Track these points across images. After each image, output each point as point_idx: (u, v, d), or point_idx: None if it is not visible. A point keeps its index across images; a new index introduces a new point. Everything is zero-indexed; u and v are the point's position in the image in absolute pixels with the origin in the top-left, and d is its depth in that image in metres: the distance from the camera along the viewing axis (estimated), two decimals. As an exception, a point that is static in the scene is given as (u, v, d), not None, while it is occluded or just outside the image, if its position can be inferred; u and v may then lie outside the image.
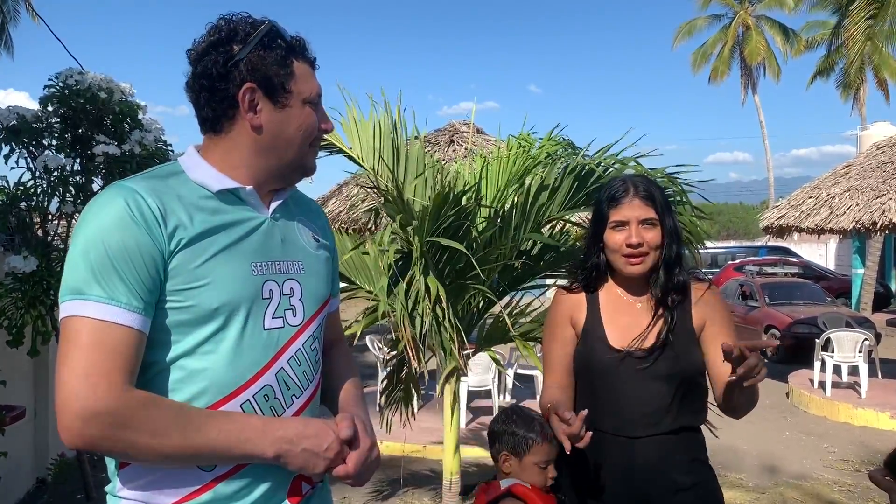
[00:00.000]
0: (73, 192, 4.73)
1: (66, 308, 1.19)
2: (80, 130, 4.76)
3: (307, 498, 1.38)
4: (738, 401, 1.95)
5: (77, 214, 4.82)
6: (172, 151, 5.31)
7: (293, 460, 1.27)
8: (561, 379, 2.09)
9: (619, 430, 2.00)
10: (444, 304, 3.28)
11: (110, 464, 1.31)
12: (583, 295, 2.13)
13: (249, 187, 1.36)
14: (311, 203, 1.61)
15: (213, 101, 1.34)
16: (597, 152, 3.90)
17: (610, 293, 2.12)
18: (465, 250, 3.14)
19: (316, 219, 1.57)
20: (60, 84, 4.62)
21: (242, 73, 1.31)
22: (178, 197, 1.28)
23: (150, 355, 1.24)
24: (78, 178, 4.74)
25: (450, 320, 3.38)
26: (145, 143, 4.88)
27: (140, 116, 5.03)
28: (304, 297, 1.41)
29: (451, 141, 8.38)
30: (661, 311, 2.04)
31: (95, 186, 4.86)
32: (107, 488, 1.32)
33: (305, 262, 1.44)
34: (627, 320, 2.06)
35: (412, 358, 3.36)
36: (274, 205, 1.42)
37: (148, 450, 1.18)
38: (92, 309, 1.17)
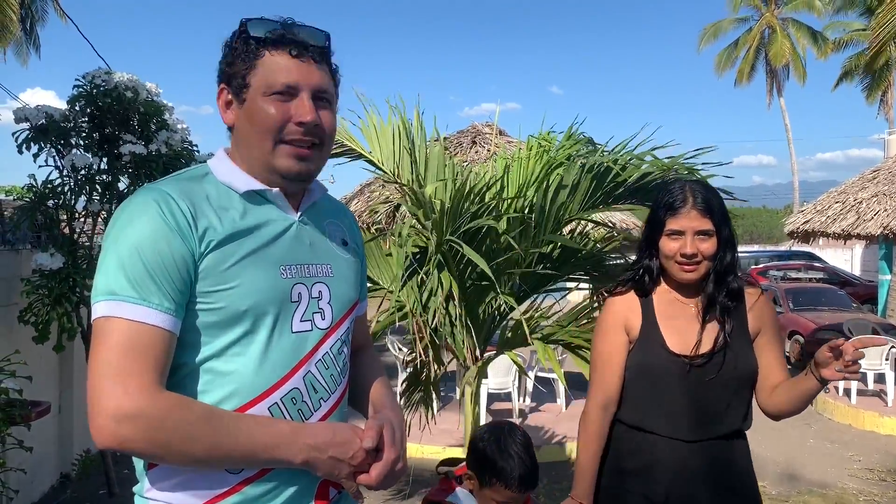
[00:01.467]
0: (100, 190, 4.79)
1: (99, 308, 1.20)
2: (106, 130, 4.82)
3: (334, 502, 1.38)
4: (797, 404, 2.04)
5: (103, 213, 4.89)
6: (198, 151, 5.37)
7: (320, 466, 1.27)
8: (608, 387, 2.10)
9: (675, 433, 2.04)
10: (456, 302, 3.27)
11: (138, 464, 1.31)
12: (636, 300, 2.14)
13: (276, 189, 1.36)
14: (340, 206, 1.61)
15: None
16: (613, 149, 3.85)
17: (663, 297, 2.13)
18: (477, 257, 3.11)
19: (346, 221, 1.56)
20: (88, 84, 4.69)
21: (219, 76, 1.38)
22: (207, 198, 1.30)
23: (179, 357, 1.25)
24: (105, 177, 4.80)
25: (461, 319, 3.38)
26: (171, 143, 4.93)
27: (166, 116, 5.09)
28: (333, 300, 1.41)
29: (474, 142, 8.38)
30: (716, 316, 2.07)
31: (122, 185, 4.92)
32: (135, 488, 1.33)
33: (334, 266, 1.44)
34: (684, 325, 2.08)
35: (429, 360, 3.36)
36: (303, 207, 1.42)
37: (178, 452, 1.18)
38: (124, 309, 1.18)
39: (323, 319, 1.38)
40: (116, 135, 4.79)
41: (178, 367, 1.25)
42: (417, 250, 3.48)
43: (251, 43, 1.33)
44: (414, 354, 3.95)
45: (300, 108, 1.32)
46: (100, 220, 4.96)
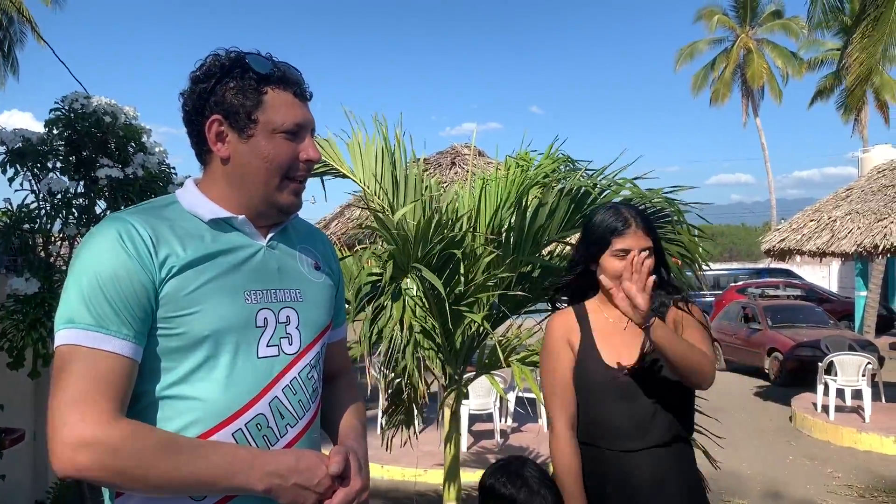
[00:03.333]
0: (76, 214, 4.75)
1: (60, 337, 1.22)
2: (84, 153, 4.79)
3: None
4: (672, 366, 2.05)
5: (79, 237, 4.84)
6: (176, 174, 5.34)
7: (283, 495, 1.26)
8: (569, 404, 2.16)
9: (615, 444, 2.11)
10: (407, 330, 3.27)
11: (105, 492, 1.31)
12: (574, 317, 2.24)
13: (242, 217, 1.37)
14: (315, 231, 1.62)
15: (192, 135, 1.39)
16: (593, 174, 3.91)
17: (598, 313, 2.24)
18: (439, 284, 3.08)
19: (320, 246, 1.57)
20: (66, 107, 4.67)
21: (211, 106, 1.34)
22: (171, 227, 1.31)
23: (141, 385, 1.25)
24: (81, 201, 4.76)
25: (432, 341, 3.37)
26: (148, 167, 4.91)
27: (144, 139, 5.07)
28: (302, 325, 1.41)
29: (453, 163, 8.43)
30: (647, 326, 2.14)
31: (98, 209, 4.88)
32: None
33: (304, 290, 1.44)
34: (617, 338, 2.17)
35: (406, 383, 3.35)
36: (272, 232, 1.43)
37: (135, 479, 1.18)
38: (83, 337, 1.19)
39: (290, 344, 1.39)
40: (93, 158, 4.76)
41: (140, 394, 1.26)
42: (375, 279, 3.46)
43: (252, 79, 1.34)
44: (391, 376, 3.94)
45: (309, 147, 1.39)
46: (76, 243, 4.92)
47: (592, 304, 2.26)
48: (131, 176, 4.75)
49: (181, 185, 5.30)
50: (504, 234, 3.58)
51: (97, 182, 4.71)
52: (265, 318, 1.35)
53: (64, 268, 4.82)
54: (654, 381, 2.11)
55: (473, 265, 3.33)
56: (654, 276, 2.00)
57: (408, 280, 3.32)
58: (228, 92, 1.34)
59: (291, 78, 1.38)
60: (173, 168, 5.29)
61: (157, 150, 5.14)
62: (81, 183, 4.78)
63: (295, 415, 1.37)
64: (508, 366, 3.84)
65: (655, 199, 3.64)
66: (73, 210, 4.73)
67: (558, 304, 2.47)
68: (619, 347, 2.15)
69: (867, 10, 11.23)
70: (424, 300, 3.35)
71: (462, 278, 3.38)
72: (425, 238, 3.11)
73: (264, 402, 1.32)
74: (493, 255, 3.40)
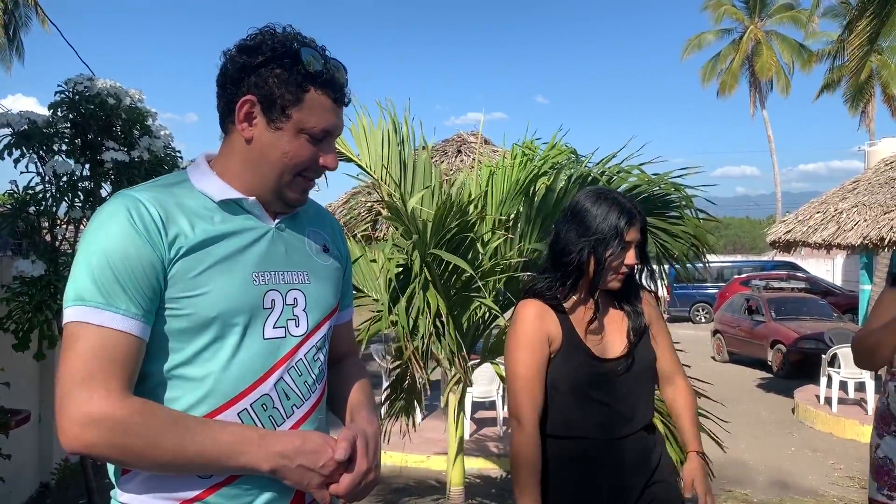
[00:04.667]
0: (82, 197, 4.74)
1: (68, 314, 1.21)
2: (89, 136, 4.78)
3: None
4: None
5: (85, 220, 4.84)
6: (181, 158, 5.33)
7: (289, 475, 1.26)
8: (538, 399, 2.09)
9: (607, 434, 2.11)
10: (444, 318, 3.27)
11: (110, 469, 1.32)
12: (551, 310, 2.13)
13: (252, 198, 1.36)
14: (324, 213, 1.61)
15: (223, 100, 1.36)
16: (600, 161, 3.89)
17: (577, 304, 2.17)
18: (466, 266, 3.12)
19: (328, 229, 1.55)
20: (70, 90, 4.66)
21: (250, 84, 1.31)
22: (180, 205, 1.29)
23: (148, 365, 1.25)
24: (86, 184, 4.76)
25: (450, 333, 3.37)
26: (154, 150, 4.90)
27: (149, 123, 5.05)
28: (309, 307, 1.41)
29: (459, 151, 8.40)
30: (625, 316, 2.21)
31: (104, 192, 4.88)
32: (112, 493, 1.33)
33: (311, 273, 1.43)
34: (599, 328, 2.17)
35: (416, 369, 3.35)
36: (281, 215, 1.42)
37: (142, 457, 1.19)
38: (92, 315, 1.19)
39: (297, 326, 1.38)
40: (99, 141, 4.75)
41: (147, 374, 1.25)
42: (400, 269, 3.47)
43: (299, 74, 1.31)
44: (397, 363, 3.94)
45: (330, 157, 1.39)
46: (81, 226, 4.92)
47: (569, 291, 2.17)
48: (137, 159, 4.74)
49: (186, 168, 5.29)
50: (512, 221, 3.57)
51: (102, 165, 4.70)
52: (272, 299, 1.34)
53: (70, 251, 4.82)
54: (637, 369, 2.16)
55: (484, 248, 3.33)
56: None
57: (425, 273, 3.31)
58: (272, 78, 1.30)
59: (337, 82, 1.36)
60: (178, 152, 5.29)
61: (162, 133, 5.13)
62: (87, 166, 4.78)
63: (301, 396, 1.37)
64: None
65: (662, 183, 3.62)
66: (79, 193, 4.73)
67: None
68: (604, 338, 2.16)
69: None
70: (434, 287, 3.34)
71: (470, 265, 3.37)
72: (441, 223, 3.10)
73: (270, 382, 1.32)
74: (501, 240, 3.39)
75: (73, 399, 1.16)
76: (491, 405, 7.88)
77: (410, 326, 3.28)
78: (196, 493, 1.26)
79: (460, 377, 3.67)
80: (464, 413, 3.93)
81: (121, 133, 4.84)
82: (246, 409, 1.29)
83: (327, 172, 1.45)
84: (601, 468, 2.11)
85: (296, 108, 1.31)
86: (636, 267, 2.15)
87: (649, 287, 2.36)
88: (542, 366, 2.09)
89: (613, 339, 2.17)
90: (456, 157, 8.39)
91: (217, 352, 1.27)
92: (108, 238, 1.22)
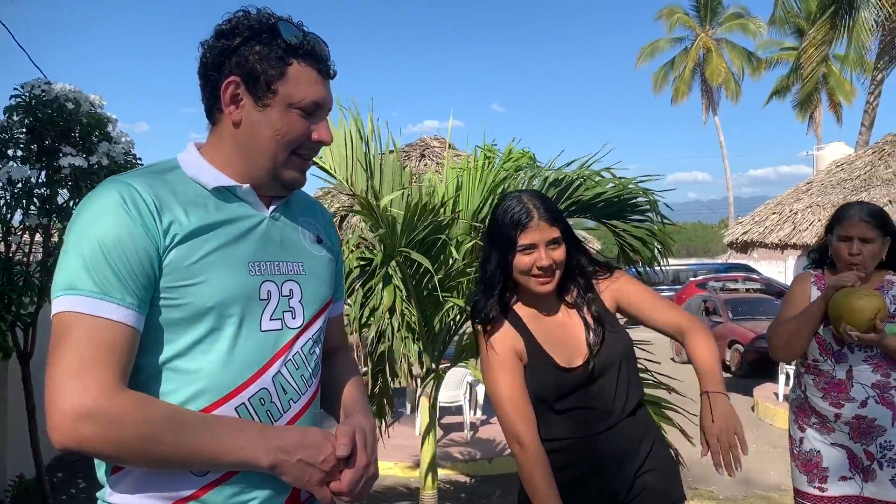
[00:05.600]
0: (38, 204, 4.61)
1: (59, 304, 1.16)
2: (45, 142, 4.65)
3: None
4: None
5: (41, 227, 4.71)
6: (141, 164, 5.22)
7: (288, 470, 1.22)
8: (530, 414, 2.03)
9: (585, 431, 2.06)
10: (398, 314, 3.25)
11: (100, 469, 1.27)
12: (509, 325, 2.09)
13: (246, 186, 1.33)
14: (316, 204, 1.58)
15: (206, 89, 1.33)
16: (569, 163, 3.94)
17: (529, 315, 2.12)
18: (429, 266, 3.09)
19: (320, 219, 1.53)
20: (27, 94, 4.52)
21: (231, 66, 1.29)
22: (173, 193, 1.25)
23: (143, 357, 1.21)
24: (43, 191, 4.63)
25: (416, 329, 3.36)
26: (113, 156, 4.79)
27: (109, 128, 4.94)
28: (305, 298, 1.38)
29: (423, 155, 8.41)
30: (581, 315, 2.11)
31: (60, 199, 4.75)
32: (98, 494, 1.28)
33: (306, 264, 1.40)
34: (559, 335, 2.10)
35: (380, 372, 3.33)
36: (274, 204, 1.39)
37: (138, 453, 1.14)
38: (84, 304, 1.14)
39: (294, 318, 1.35)
40: (56, 147, 4.63)
41: (142, 367, 1.21)
42: (364, 263, 3.44)
43: (279, 47, 1.29)
44: (366, 369, 3.91)
45: (322, 128, 1.35)
46: (37, 235, 4.78)
47: (518, 304, 2.13)
48: (95, 165, 4.63)
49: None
50: (481, 223, 3.58)
51: (59, 171, 4.58)
52: (269, 290, 1.31)
53: (24, 259, 4.68)
54: (610, 362, 2.08)
55: (458, 250, 3.32)
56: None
57: (388, 268, 3.29)
58: (253, 55, 1.28)
59: (319, 53, 1.33)
60: (139, 158, 5.17)
61: (123, 139, 5.01)
62: (43, 172, 4.65)
63: (297, 390, 1.34)
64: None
65: (630, 186, 3.67)
66: (35, 200, 4.60)
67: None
68: (566, 345, 2.08)
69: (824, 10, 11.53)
70: (403, 287, 3.32)
71: (442, 265, 3.37)
72: (412, 224, 3.08)
73: (267, 376, 1.29)
74: (472, 242, 3.39)
75: (66, 392, 1.11)
76: (458, 410, 7.86)
77: (363, 320, 3.26)
78: (191, 491, 1.22)
79: (432, 379, 3.66)
80: (435, 419, 3.90)
81: (79, 138, 4.72)
82: (244, 403, 1.26)
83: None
84: (583, 465, 2.07)
85: (280, 81, 1.29)
86: (555, 265, 2.02)
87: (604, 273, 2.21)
88: (522, 381, 2.04)
89: (577, 344, 2.09)
90: (420, 161, 8.40)
91: (213, 344, 1.24)
92: (100, 224, 1.17)
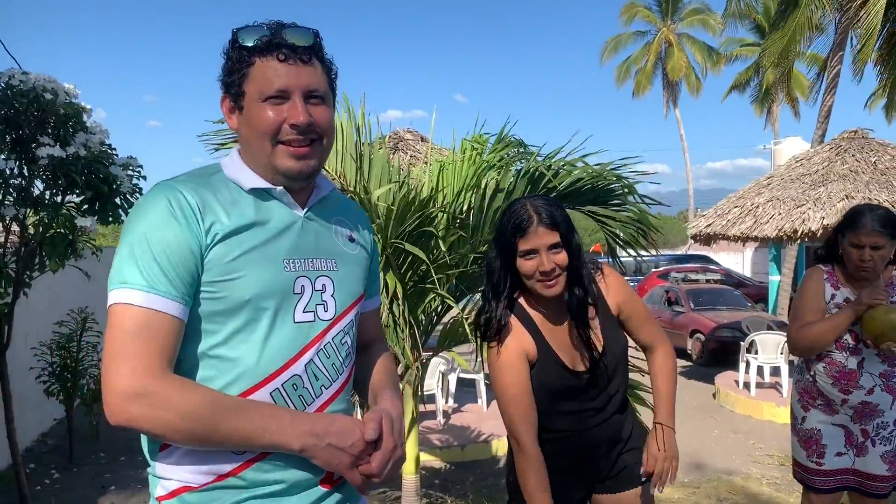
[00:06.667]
0: (14, 195, 4.58)
1: (113, 296, 1.28)
2: (21, 132, 4.61)
3: (339, 486, 1.44)
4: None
5: (17, 218, 4.66)
6: (117, 155, 5.19)
7: (318, 454, 1.33)
8: (533, 417, 2.13)
9: (581, 426, 2.23)
10: (399, 301, 3.34)
11: (146, 445, 1.38)
12: (521, 326, 2.18)
13: (280, 188, 1.43)
14: (350, 203, 1.69)
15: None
16: (547, 155, 4.02)
17: (538, 315, 2.21)
18: (426, 258, 3.21)
19: (354, 219, 1.63)
20: (3, 84, 4.48)
21: (221, 85, 1.45)
22: (215, 194, 1.37)
23: (186, 346, 1.32)
24: (19, 181, 4.59)
25: (405, 318, 3.44)
26: (89, 146, 4.76)
27: (84, 118, 4.91)
28: (337, 293, 1.48)
29: (396, 147, 8.46)
30: (587, 317, 2.18)
31: (36, 190, 4.72)
32: (149, 469, 1.40)
33: (339, 261, 1.51)
34: (566, 337, 2.20)
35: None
36: (310, 204, 1.49)
37: (181, 432, 1.25)
38: (135, 297, 1.27)
39: (326, 311, 1.45)
40: (33, 136, 4.59)
41: (184, 355, 1.32)
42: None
43: (243, 52, 1.40)
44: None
45: (293, 110, 1.38)
46: (13, 225, 4.74)
47: (527, 305, 2.21)
48: (72, 156, 4.60)
49: (123, 165, 5.11)
50: (465, 214, 3.67)
51: (36, 161, 4.54)
52: (302, 285, 1.42)
53: (1, 251, 4.64)
54: (612, 362, 2.22)
55: (444, 242, 3.41)
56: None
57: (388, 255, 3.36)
58: (224, 70, 1.43)
59: (280, 42, 1.38)
60: (114, 148, 5.15)
61: (98, 129, 4.99)
62: (18, 162, 4.60)
63: (329, 377, 1.45)
64: (467, 342, 3.94)
65: (605, 173, 3.76)
66: (11, 190, 4.56)
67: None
68: (573, 346, 2.19)
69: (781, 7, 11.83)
70: (388, 280, 3.41)
71: (427, 257, 3.45)
72: (402, 217, 3.17)
73: (300, 364, 1.39)
74: (456, 236, 3.48)
75: (117, 375, 1.23)
76: (430, 399, 7.97)
77: None
78: (232, 467, 1.33)
79: (417, 367, 3.75)
80: (416, 406, 4.00)
81: (56, 129, 4.69)
82: (278, 388, 1.36)
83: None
84: (578, 452, 2.26)
85: (245, 82, 1.40)
86: (557, 269, 2.07)
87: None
88: (527, 383, 2.13)
89: (582, 347, 2.18)
90: (393, 154, 8.44)
91: (251, 334, 1.34)
92: (149, 225, 1.30)
